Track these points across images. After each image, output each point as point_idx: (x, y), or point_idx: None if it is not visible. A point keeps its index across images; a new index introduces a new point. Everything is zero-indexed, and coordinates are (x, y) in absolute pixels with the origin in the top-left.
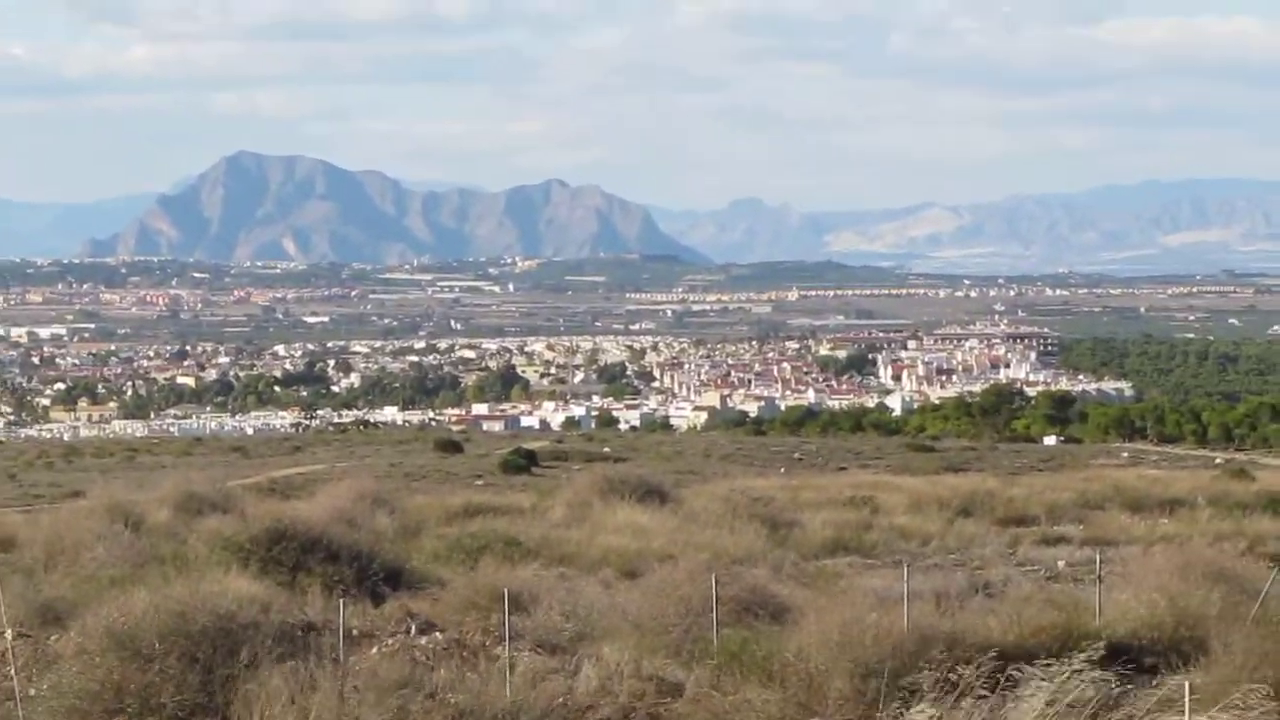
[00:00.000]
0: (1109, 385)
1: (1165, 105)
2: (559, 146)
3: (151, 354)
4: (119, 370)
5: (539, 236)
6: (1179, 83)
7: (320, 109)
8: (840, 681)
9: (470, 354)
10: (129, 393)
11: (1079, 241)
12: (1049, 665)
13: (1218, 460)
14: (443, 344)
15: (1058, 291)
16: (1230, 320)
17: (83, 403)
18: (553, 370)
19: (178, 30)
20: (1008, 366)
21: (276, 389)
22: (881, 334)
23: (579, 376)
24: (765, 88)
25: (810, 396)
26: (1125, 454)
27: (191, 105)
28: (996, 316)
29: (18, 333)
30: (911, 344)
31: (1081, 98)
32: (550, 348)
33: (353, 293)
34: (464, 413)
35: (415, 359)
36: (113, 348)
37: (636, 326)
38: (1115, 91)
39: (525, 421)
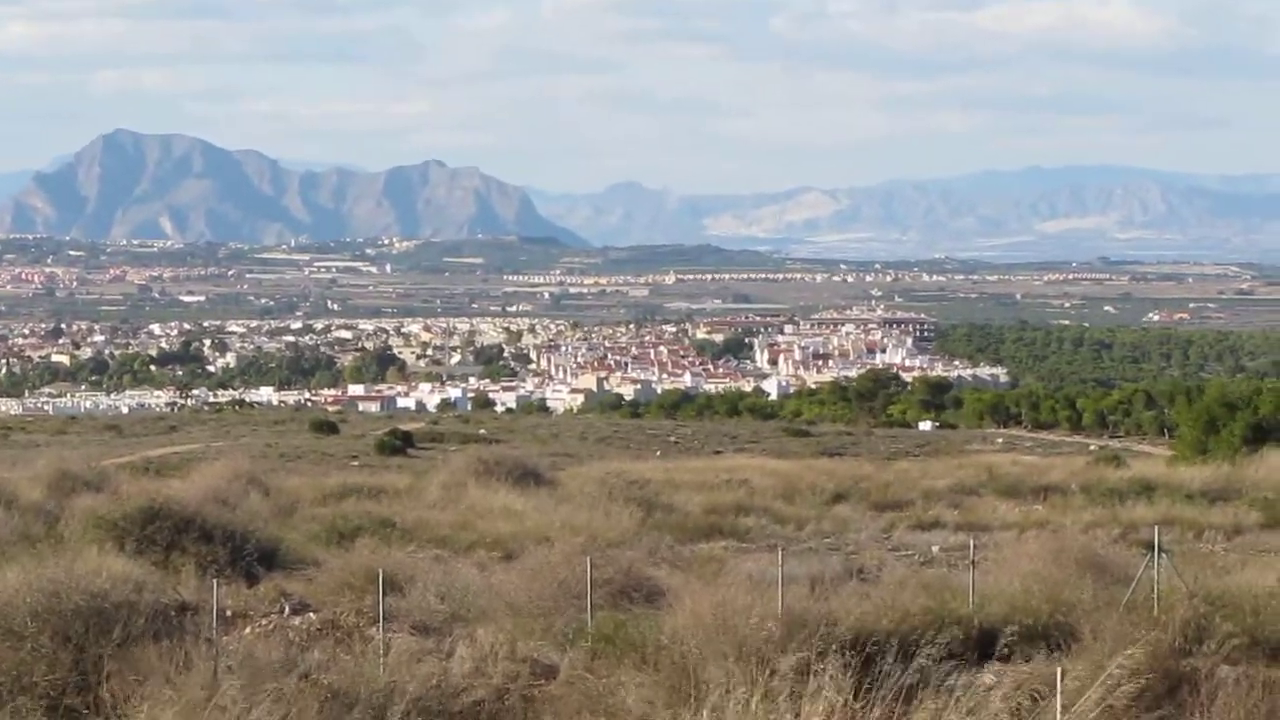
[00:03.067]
0: (984, 371)
1: (1048, 91)
2: (441, 128)
3: (26, 332)
4: None
5: (417, 217)
6: (1061, 69)
7: (202, 88)
8: (714, 665)
9: (347, 335)
10: (2, 370)
11: (956, 227)
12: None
13: (1091, 447)
14: (319, 324)
15: (934, 277)
16: (1105, 307)
17: None
18: (429, 352)
19: (59, 8)
20: (884, 352)
21: (152, 368)
22: (758, 318)
23: (455, 358)
24: (647, 70)
25: (687, 380)
26: (1000, 440)
27: (71, 83)
28: (873, 302)
29: None
30: (788, 328)
31: (963, 82)
32: (427, 329)
33: (229, 272)
34: (340, 393)
35: (291, 339)
36: None
37: (514, 309)
38: (997, 77)
39: (401, 403)
